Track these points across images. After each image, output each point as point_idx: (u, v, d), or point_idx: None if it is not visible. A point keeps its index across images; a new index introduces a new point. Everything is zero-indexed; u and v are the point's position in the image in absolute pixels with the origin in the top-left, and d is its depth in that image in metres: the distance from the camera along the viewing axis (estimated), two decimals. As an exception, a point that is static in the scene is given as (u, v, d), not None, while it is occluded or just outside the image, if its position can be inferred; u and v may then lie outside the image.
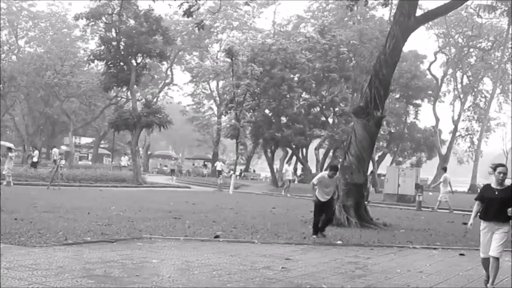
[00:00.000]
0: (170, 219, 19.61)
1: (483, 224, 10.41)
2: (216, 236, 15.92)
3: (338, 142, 55.43)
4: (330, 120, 59.29)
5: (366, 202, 36.27)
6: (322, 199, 16.97)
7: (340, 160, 35.71)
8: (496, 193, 10.24)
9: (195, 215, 21.71)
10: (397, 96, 69.80)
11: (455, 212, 32.04)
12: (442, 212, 32.48)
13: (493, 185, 10.42)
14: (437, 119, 76.56)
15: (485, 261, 10.36)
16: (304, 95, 56.55)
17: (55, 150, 58.70)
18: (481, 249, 10.45)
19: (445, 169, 37.83)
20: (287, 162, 54.32)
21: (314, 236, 16.73)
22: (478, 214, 10.56)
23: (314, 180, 17.40)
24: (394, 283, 11.03)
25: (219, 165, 62.96)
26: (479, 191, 11.30)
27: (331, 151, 63.80)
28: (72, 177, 41.19)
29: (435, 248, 16.15)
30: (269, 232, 17.62)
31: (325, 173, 17.36)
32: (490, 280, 10.21)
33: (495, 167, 10.42)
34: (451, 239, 18.05)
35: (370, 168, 44.82)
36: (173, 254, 12.77)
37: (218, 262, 11.94)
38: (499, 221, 10.16)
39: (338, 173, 17.92)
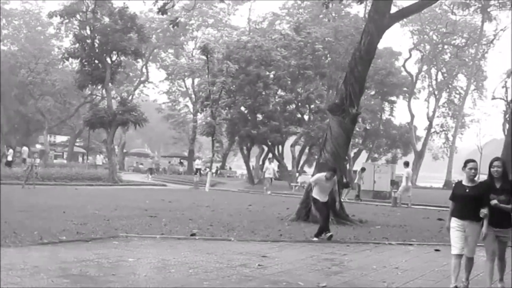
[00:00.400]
0: (146, 218, 19.57)
1: (454, 222, 10.00)
2: (193, 234, 15.91)
3: (314, 139, 55.48)
4: (306, 117, 59.28)
5: (359, 200, 36.80)
6: (323, 200, 16.88)
7: (316, 157, 35.75)
8: (467, 190, 9.89)
9: (171, 213, 21.68)
10: (372, 93, 69.97)
11: (430, 208, 32.24)
12: (417, 208, 32.67)
13: (464, 182, 10.07)
14: (412, 116, 76.96)
15: (457, 259, 9.90)
16: (279, 92, 56.57)
17: (24, 148, 58.38)
18: (453, 244, 9.99)
19: (407, 164, 37.93)
20: (268, 160, 54.26)
21: (330, 234, 16.42)
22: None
23: (312, 180, 17.42)
24: (370, 279, 11.08)
25: (198, 163, 62.83)
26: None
27: (307, 148, 63.91)
28: (47, 176, 40.98)
29: (410, 244, 16.24)
30: (245, 229, 17.64)
31: (322, 175, 17.14)
32: (465, 276, 9.98)
33: (465, 163, 10.12)
34: (426, 235, 18.15)
35: (359, 165, 44.86)
36: (149, 253, 12.74)
37: (195, 260, 11.94)
38: (472, 220, 9.82)
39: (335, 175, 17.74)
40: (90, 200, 26.52)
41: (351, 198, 36.59)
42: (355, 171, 50.85)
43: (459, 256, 9.93)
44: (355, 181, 40.09)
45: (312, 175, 20.24)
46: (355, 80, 21.94)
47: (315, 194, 16.96)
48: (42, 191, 32.17)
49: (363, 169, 40.72)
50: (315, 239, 16.29)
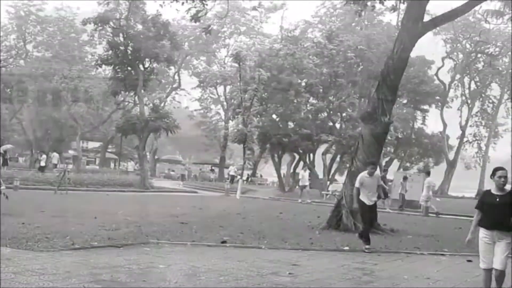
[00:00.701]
0: (177, 224, 19.60)
1: (483, 232, 9.67)
2: (223, 241, 15.90)
3: (346, 147, 55.24)
4: (338, 125, 59.10)
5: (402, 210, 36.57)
6: (369, 202, 16.28)
7: (348, 165, 35.61)
8: (498, 199, 9.51)
9: (202, 220, 21.69)
10: (405, 101, 69.45)
11: (462, 218, 31.86)
12: (449, 218, 32.38)
13: (493, 191, 9.69)
14: (445, 125, 76.32)
15: (487, 273, 9.69)
16: (311, 100, 56.44)
17: (54, 154, 58.89)
18: (482, 258, 9.70)
19: (428, 173, 37.59)
20: (303, 167, 54.07)
21: (367, 246, 15.90)
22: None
23: (357, 184, 16.48)
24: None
25: (232, 170, 63.05)
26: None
27: (338, 156, 63.65)
28: (79, 181, 41.22)
29: (442, 254, 16.09)
30: (276, 237, 17.57)
31: (363, 173, 16.58)
32: None
33: (494, 171, 9.74)
34: (458, 245, 17.84)
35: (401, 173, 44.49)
36: (180, 259, 12.77)
37: (225, 268, 11.93)
38: (501, 230, 9.47)
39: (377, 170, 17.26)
40: (121, 206, 26.65)
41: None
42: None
43: (490, 269, 9.66)
44: (399, 191, 39.50)
45: (344, 184, 20.17)
46: (387, 89, 21.83)
47: (361, 197, 16.30)
48: (74, 196, 32.40)
49: (405, 178, 40.14)
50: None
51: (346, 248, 16.17)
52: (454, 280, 12.11)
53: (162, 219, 20.98)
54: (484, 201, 9.86)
